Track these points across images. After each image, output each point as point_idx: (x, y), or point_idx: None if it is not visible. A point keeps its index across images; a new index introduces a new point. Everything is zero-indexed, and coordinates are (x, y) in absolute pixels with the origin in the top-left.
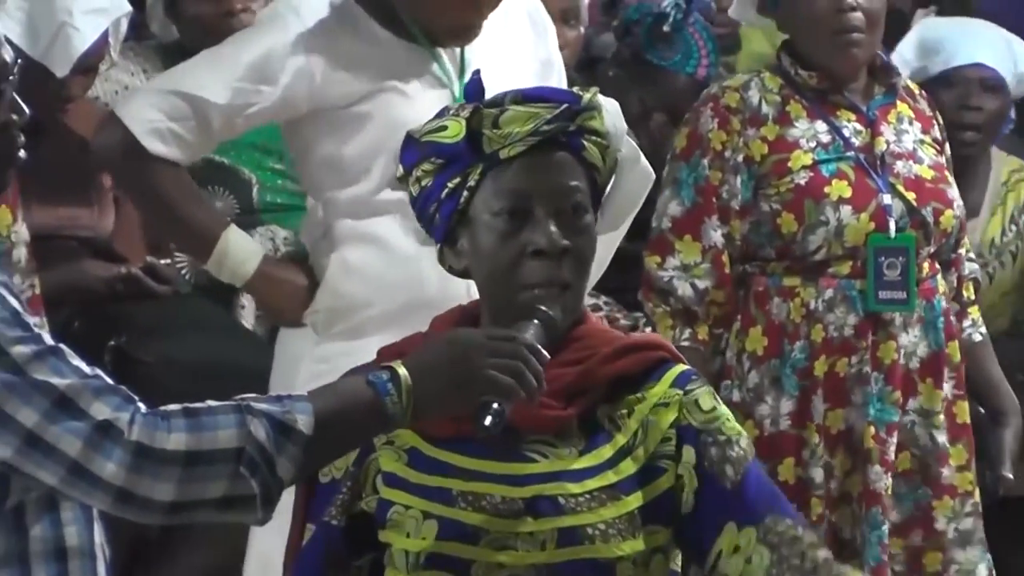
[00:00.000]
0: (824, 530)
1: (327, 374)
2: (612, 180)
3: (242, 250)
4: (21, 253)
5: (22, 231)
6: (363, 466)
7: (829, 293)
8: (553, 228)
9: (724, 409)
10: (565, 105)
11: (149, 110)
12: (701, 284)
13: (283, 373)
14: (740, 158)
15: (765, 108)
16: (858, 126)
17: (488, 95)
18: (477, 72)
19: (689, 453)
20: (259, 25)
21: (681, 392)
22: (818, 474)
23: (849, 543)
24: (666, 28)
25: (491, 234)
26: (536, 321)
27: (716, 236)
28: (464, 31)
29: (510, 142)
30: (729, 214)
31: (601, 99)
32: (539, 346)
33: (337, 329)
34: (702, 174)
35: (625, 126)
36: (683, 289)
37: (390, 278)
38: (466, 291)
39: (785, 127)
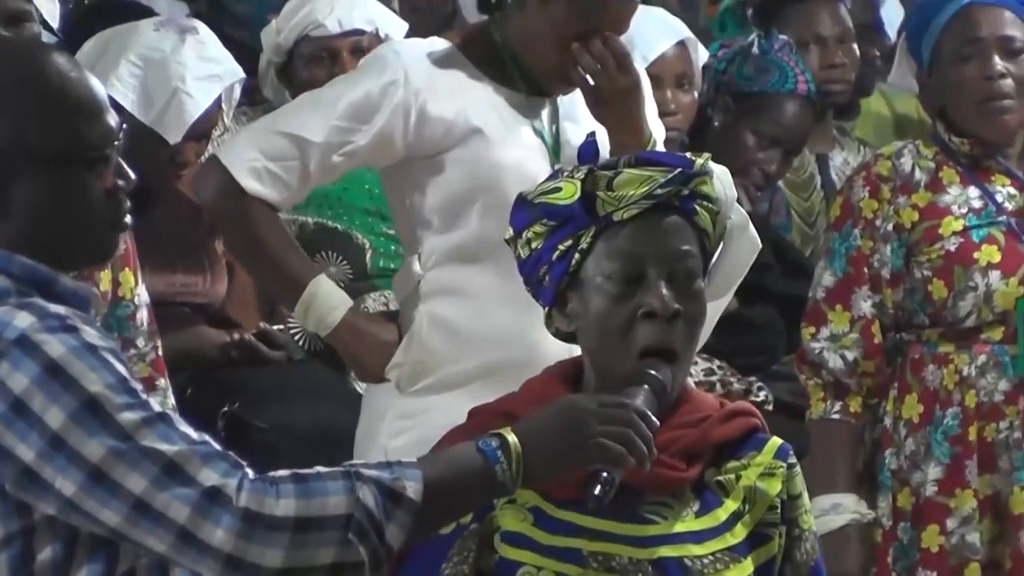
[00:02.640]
0: None
1: (409, 430)
2: (720, 247)
3: (330, 298)
4: (143, 315)
5: (143, 293)
6: (482, 522)
7: (982, 359)
8: (665, 291)
9: (807, 500)
10: (679, 169)
11: (247, 149)
12: (850, 355)
13: (367, 429)
14: (890, 226)
15: (918, 175)
16: (1012, 191)
17: (576, 148)
18: (592, 134)
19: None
20: (360, 68)
21: (784, 465)
22: (976, 538)
23: None
24: (755, 51)
25: (603, 297)
26: (646, 387)
27: (866, 306)
28: (567, 76)
29: (624, 205)
30: (880, 283)
31: (712, 166)
32: (649, 412)
33: (421, 385)
34: (853, 244)
35: (735, 193)
36: (833, 361)
37: (477, 333)
38: (555, 353)
39: (937, 194)
